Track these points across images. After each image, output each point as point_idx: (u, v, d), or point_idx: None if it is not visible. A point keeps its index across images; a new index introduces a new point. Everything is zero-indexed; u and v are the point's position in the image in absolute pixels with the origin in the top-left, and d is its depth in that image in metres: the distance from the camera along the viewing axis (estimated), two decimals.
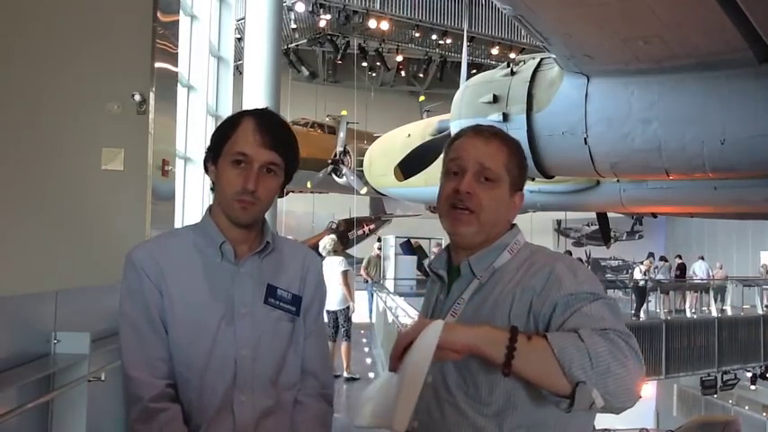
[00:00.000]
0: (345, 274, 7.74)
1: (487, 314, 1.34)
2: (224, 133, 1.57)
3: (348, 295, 7.80)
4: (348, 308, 7.86)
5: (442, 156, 1.52)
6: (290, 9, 18.63)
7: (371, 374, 8.15)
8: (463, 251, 1.45)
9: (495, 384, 1.30)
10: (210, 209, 1.63)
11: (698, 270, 18.01)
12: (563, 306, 1.27)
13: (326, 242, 8.00)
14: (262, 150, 1.53)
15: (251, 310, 1.56)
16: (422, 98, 22.10)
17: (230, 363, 1.52)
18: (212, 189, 1.62)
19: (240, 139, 1.54)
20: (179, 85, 5.16)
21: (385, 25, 20.23)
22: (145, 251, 1.56)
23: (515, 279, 1.36)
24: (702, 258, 18.66)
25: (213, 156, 1.58)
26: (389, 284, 16.14)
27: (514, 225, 1.49)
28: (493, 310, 1.34)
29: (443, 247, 1.58)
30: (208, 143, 1.63)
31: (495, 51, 21.29)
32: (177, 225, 4.69)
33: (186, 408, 1.50)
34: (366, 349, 10.78)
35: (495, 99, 7.43)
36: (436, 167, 1.76)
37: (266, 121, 1.57)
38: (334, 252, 7.89)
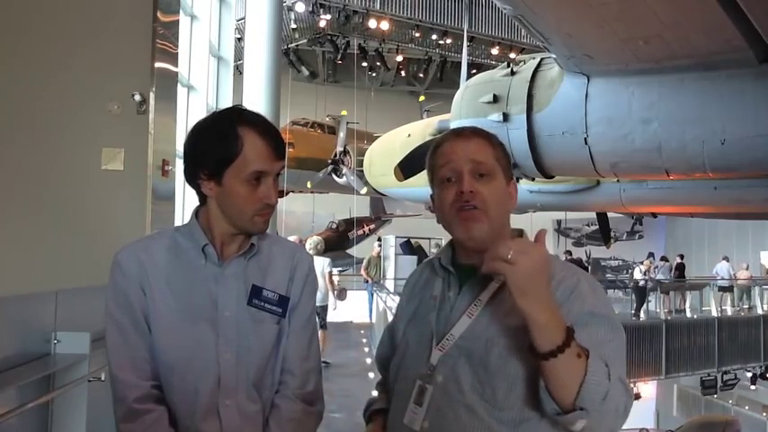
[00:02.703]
0: (330, 274, 9.08)
1: (517, 325, 1.27)
2: (227, 150, 1.47)
3: (332, 293, 9.08)
4: (328, 305, 8.99)
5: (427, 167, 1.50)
6: (290, 9, 18.61)
7: (371, 374, 8.13)
8: (476, 253, 1.40)
9: (511, 389, 1.29)
10: (197, 212, 1.58)
11: (720, 271, 17.71)
12: (582, 324, 1.29)
13: (316, 242, 9.36)
14: (275, 163, 1.51)
15: (235, 312, 1.52)
16: (422, 98, 22.08)
17: (213, 366, 1.50)
18: (203, 203, 1.56)
19: (252, 157, 1.47)
20: (179, 85, 5.16)
21: (385, 25, 20.20)
22: (129, 252, 1.55)
23: None
24: (727, 259, 18.22)
25: (211, 173, 1.49)
26: (389, 284, 16.13)
27: (522, 230, 1.48)
28: (522, 319, 1.26)
29: (447, 242, 1.53)
30: (194, 155, 1.51)
31: (495, 51, 21.26)
32: (177, 225, 4.69)
33: (171, 410, 1.49)
34: (366, 349, 10.77)
35: (496, 99, 7.43)
36: None
37: (268, 130, 1.52)
38: (318, 253, 9.04)
